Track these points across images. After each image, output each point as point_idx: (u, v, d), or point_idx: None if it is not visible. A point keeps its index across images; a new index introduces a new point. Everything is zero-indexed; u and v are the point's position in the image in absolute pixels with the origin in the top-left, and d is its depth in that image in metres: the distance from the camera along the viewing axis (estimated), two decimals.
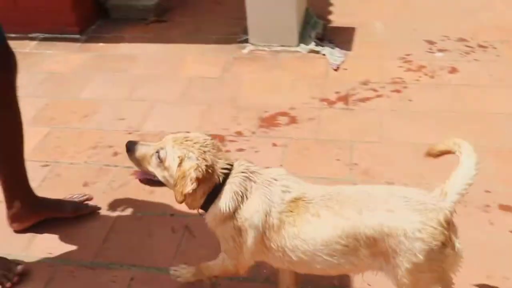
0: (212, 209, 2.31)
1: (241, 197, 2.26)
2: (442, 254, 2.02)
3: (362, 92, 4.46)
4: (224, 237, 2.36)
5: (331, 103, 4.37)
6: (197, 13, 6.21)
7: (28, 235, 3.21)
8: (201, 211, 2.40)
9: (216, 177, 2.28)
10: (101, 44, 5.61)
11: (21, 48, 5.57)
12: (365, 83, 4.58)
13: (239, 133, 4.07)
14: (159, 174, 2.35)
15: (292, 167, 3.47)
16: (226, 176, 2.30)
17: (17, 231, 3.20)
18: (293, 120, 4.18)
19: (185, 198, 2.26)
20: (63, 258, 3.07)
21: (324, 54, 5.05)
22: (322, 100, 4.42)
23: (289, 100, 4.44)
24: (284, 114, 4.26)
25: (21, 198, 3.10)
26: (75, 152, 3.98)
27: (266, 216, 2.21)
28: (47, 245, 3.15)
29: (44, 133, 4.22)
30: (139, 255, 3.06)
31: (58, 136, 4.17)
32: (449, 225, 2.03)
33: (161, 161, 2.31)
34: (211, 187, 2.29)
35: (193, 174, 2.21)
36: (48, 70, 5.16)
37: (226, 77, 4.89)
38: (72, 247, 3.14)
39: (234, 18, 5.88)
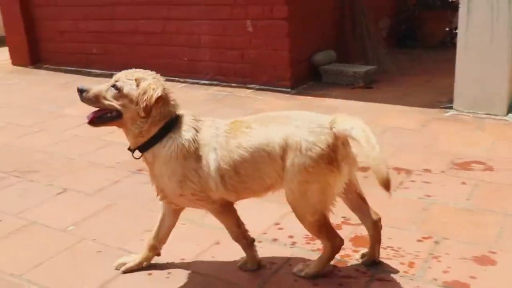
0: (174, 143, 2.52)
1: (196, 131, 2.58)
2: (327, 170, 2.44)
3: None
4: (187, 176, 2.52)
5: None
6: (404, 85, 6.34)
7: None
8: (138, 154, 2.60)
9: (171, 108, 2.59)
10: (308, 97, 5.98)
11: (238, 93, 6.24)
12: None
13: (427, 170, 3.94)
14: (118, 104, 2.54)
15: (480, 201, 3.44)
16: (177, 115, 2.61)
17: None
18: (489, 168, 3.93)
19: (150, 110, 2.49)
20: None
21: None
22: None
23: (487, 153, 4.21)
24: (479, 162, 4.04)
25: None
26: None
27: (217, 137, 2.56)
28: None
29: None
30: None
31: None
32: (336, 149, 2.45)
33: (119, 90, 2.53)
34: (167, 116, 2.56)
35: (153, 86, 2.52)
36: (256, 108, 5.62)
37: (424, 130, 4.85)
38: None
39: (441, 90, 5.88)
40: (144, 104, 2.48)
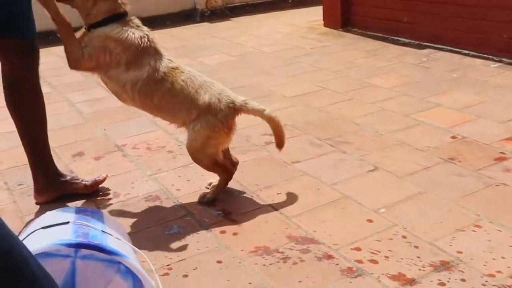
0: (112, 27, 3.23)
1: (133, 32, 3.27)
2: (224, 133, 3.36)
3: None
4: (103, 42, 3.21)
5: None
6: None
7: None
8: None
9: (117, 6, 3.26)
10: None
11: None
12: None
13: None
14: None
15: None
16: (126, 13, 3.31)
17: (38, 203, 3.60)
18: None
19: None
20: None
21: None
22: None
23: None
24: None
25: (44, 175, 3.55)
26: None
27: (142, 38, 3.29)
28: None
29: None
30: None
31: None
32: (234, 119, 3.39)
33: None
34: (112, 10, 3.23)
35: None
36: None
37: None
38: None
39: None
40: None
